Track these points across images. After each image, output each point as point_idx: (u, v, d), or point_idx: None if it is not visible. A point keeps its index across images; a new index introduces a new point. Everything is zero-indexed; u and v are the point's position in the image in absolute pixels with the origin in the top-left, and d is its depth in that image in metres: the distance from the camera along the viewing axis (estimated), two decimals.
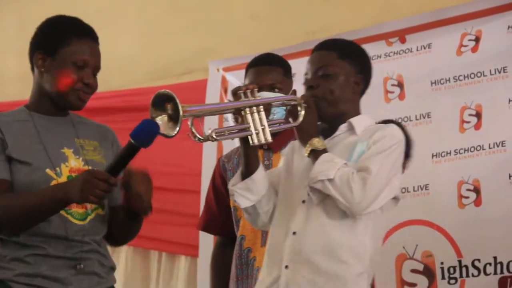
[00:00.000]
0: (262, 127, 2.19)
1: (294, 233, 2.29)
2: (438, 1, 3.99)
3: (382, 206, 2.26)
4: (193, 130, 2.07)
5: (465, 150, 3.72)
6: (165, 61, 5.03)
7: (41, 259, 2.24)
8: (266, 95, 2.79)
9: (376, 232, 2.31)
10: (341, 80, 2.36)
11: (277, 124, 2.30)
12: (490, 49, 3.76)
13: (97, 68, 2.40)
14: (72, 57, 2.34)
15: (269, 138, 2.20)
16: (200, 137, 2.08)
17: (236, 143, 2.47)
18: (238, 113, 2.21)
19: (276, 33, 4.53)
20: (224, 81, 4.60)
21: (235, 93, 2.23)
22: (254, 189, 2.32)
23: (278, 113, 2.59)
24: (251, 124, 2.19)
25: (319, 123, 2.35)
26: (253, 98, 2.20)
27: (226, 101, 2.42)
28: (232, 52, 4.64)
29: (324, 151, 2.26)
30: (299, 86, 2.65)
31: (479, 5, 3.82)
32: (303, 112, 2.29)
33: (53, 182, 2.27)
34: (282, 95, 2.79)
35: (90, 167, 2.32)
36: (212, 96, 4.49)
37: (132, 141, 2.06)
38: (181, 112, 1.99)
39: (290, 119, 2.32)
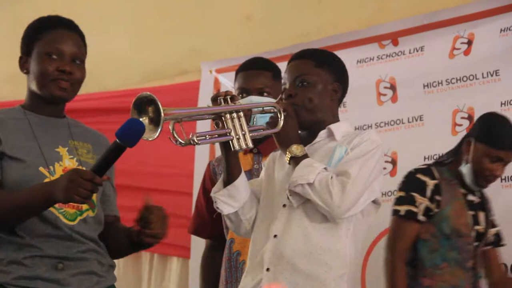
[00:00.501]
0: (243, 132, 2.19)
1: (275, 236, 2.30)
2: (430, 4, 3.99)
3: (362, 210, 2.29)
4: (174, 134, 2.06)
5: None
6: (159, 62, 5.03)
7: (39, 260, 2.22)
8: (254, 99, 2.80)
9: (357, 235, 2.32)
10: (319, 88, 2.38)
11: (258, 130, 2.31)
12: (483, 52, 3.76)
13: (75, 54, 2.35)
14: (45, 49, 2.32)
15: (250, 144, 2.20)
16: (181, 141, 2.07)
17: None
18: (219, 118, 2.21)
19: (269, 35, 4.53)
20: (216, 82, 4.60)
21: (215, 99, 2.23)
22: (237, 196, 2.34)
23: (262, 117, 2.59)
24: (232, 130, 2.19)
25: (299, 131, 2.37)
26: (232, 104, 2.20)
27: (206, 106, 2.40)
28: (226, 54, 4.64)
29: (304, 157, 2.28)
30: None
31: (471, 8, 3.82)
32: (283, 119, 2.31)
33: (46, 181, 2.24)
34: (270, 99, 2.79)
35: (84, 168, 2.29)
36: (205, 97, 4.49)
37: (118, 140, 2.02)
38: (162, 114, 1.98)
39: (270, 126, 2.33)
